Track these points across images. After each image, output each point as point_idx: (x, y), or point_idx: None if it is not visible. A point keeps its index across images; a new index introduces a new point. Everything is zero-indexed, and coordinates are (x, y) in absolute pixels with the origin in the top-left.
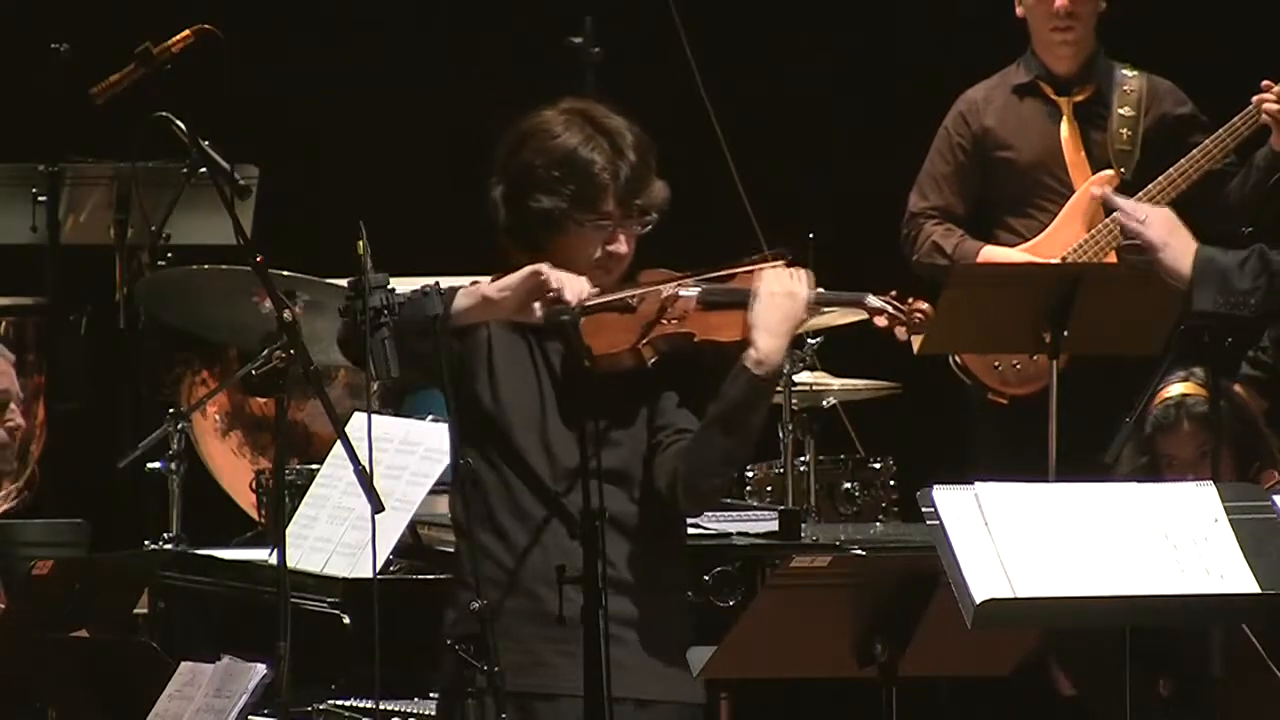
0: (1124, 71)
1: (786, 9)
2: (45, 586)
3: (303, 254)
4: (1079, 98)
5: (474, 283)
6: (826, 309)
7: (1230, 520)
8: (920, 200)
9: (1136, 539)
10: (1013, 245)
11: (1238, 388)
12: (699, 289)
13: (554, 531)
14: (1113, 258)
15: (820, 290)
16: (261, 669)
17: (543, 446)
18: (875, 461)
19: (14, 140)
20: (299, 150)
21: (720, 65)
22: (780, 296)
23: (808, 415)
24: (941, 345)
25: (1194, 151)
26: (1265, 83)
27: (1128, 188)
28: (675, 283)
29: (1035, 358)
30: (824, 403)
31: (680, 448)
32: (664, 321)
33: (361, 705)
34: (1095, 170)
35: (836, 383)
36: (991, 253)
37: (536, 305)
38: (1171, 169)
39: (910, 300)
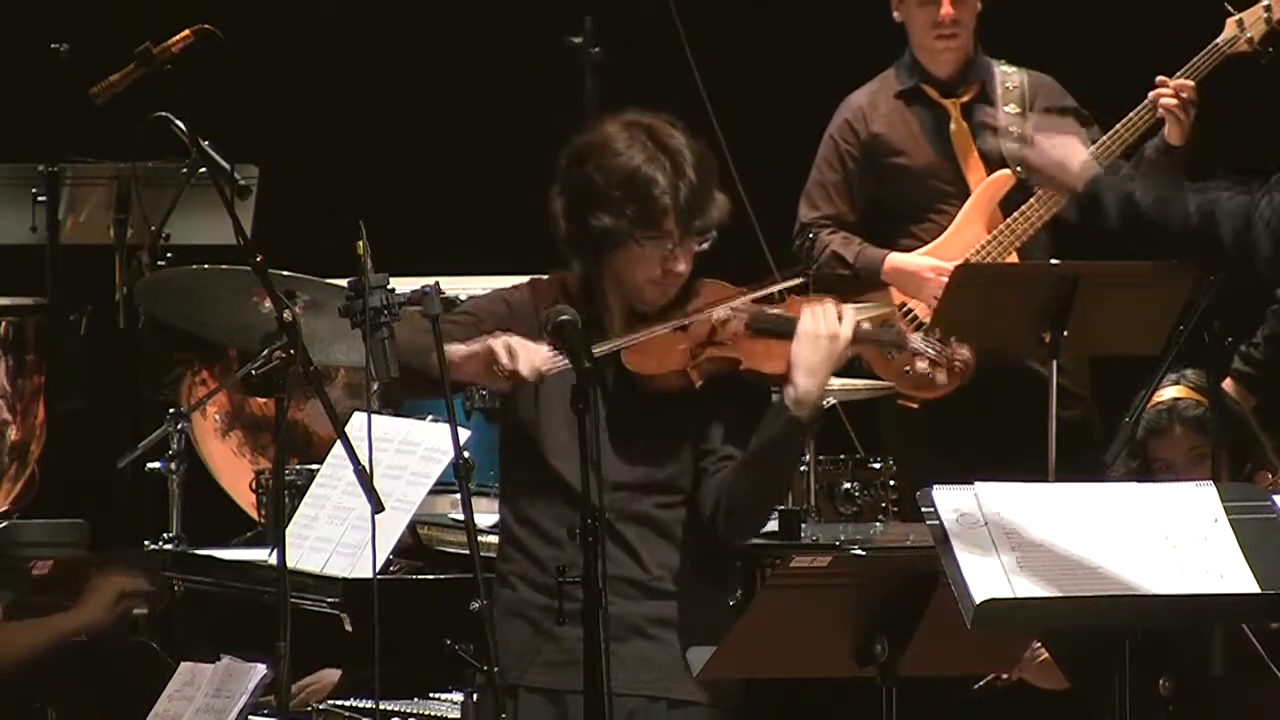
0: (1003, 69)
1: (787, 9)
2: (45, 586)
3: (303, 254)
4: (965, 98)
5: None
6: (868, 346)
7: (1230, 520)
8: (810, 210)
9: (1136, 539)
10: (914, 250)
11: (1227, 384)
12: (748, 314)
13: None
14: (1013, 258)
15: (864, 327)
16: (261, 669)
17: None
18: (875, 461)
19: (14, 140)
20: (299, 150)
21: (721, 65)
22: (823, 339)
23: None
24: None
25: (1092, 148)
26: (1160, 78)
27: (1024, 185)
28: (728, 304)
29: None
30: (824, 403)
31: (721, 479)
32: (713, 344)
33: (361, 705)
34: (990, 170)
35: (836, 383)
36: (897, 258)
37: (500, 375)
38: None
39: (952, 343)
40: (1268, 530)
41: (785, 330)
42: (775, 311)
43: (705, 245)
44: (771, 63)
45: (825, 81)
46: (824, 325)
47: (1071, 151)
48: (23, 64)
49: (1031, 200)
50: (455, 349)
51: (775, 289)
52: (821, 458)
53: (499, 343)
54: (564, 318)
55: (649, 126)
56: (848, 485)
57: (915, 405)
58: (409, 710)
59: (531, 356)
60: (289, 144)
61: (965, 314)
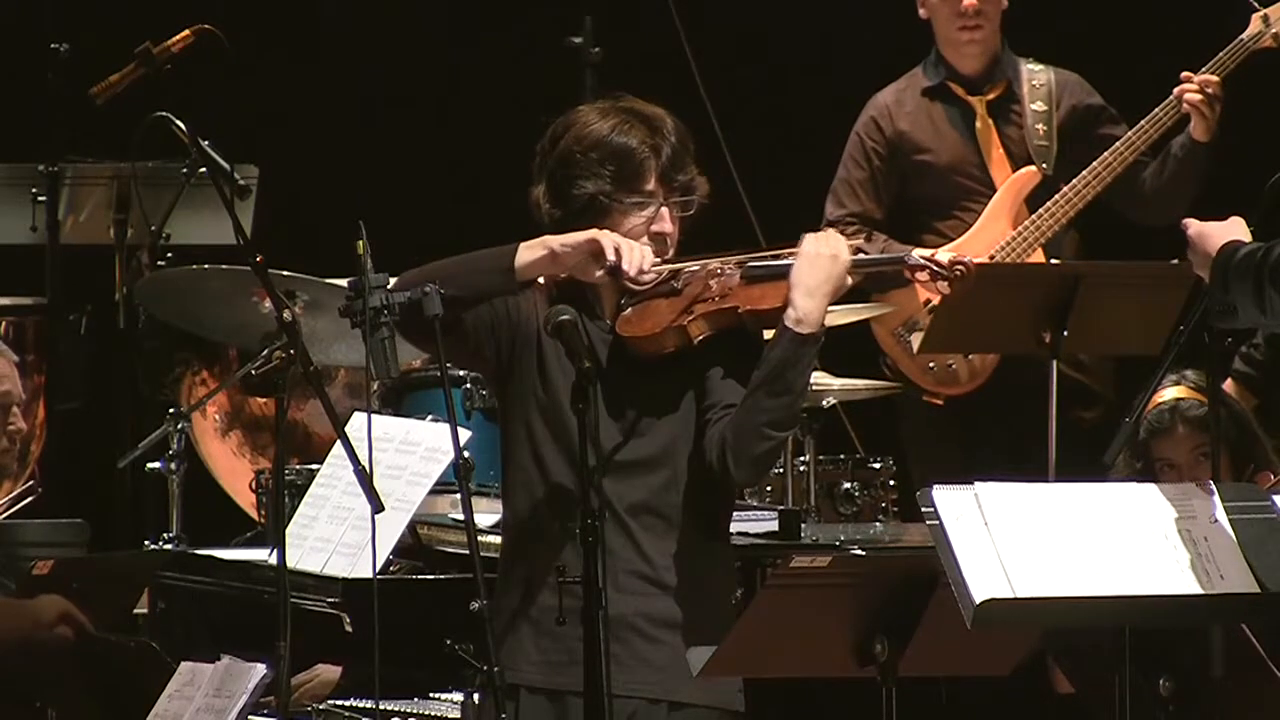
0: (1030, 66)
1: (787, 8)
2: (45, 586)
3: (303, 254)
4: (991, 96)
5: None
6: (867, 270)
7: (1230, 520)
8: (836, 208)
9: (1136, 539)
10: (939, 246)
11: (1228, 384)
12: (742, 266)
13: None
14: (1039, 255)
15: (861, 254)
16: (261, 669)
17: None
18: (875, 461)
19: (14, 140)
20: (299, 150)
21: (720, 65)
22: (824, 258)
23: (807, 415)
24: (942, 345)
25: (1118, 144)
26: (1185, 74)
27: (1049, 182)
28: (719, 260)
29: (970, 358)
30: (824, 403)
31: (727, 420)
32: (709, 299)
33: (361, 705)
34: (1015, 167)
35: (836, 383)
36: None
37: (598, 271)
38: (1096, 162)
39: (951, 257)
40: (1268, 530)
41: (781, 273)
42: (769, 262)
43: (690, 211)
44: (771, 62)
45: (825, 81)
46: (825, 246)
47: None
48: (23, 64)
49: (1056, 197)
50: (551, 240)
51: (770, 253)
52: (821, 458)
53: (606, 236)
54: (564, 318)
55: (619, 102)
56: (848, 485)
57: (940, 402)
58: (409, 710)
59: (637, 255)
60: (289, 144)
61: (966, 313)
